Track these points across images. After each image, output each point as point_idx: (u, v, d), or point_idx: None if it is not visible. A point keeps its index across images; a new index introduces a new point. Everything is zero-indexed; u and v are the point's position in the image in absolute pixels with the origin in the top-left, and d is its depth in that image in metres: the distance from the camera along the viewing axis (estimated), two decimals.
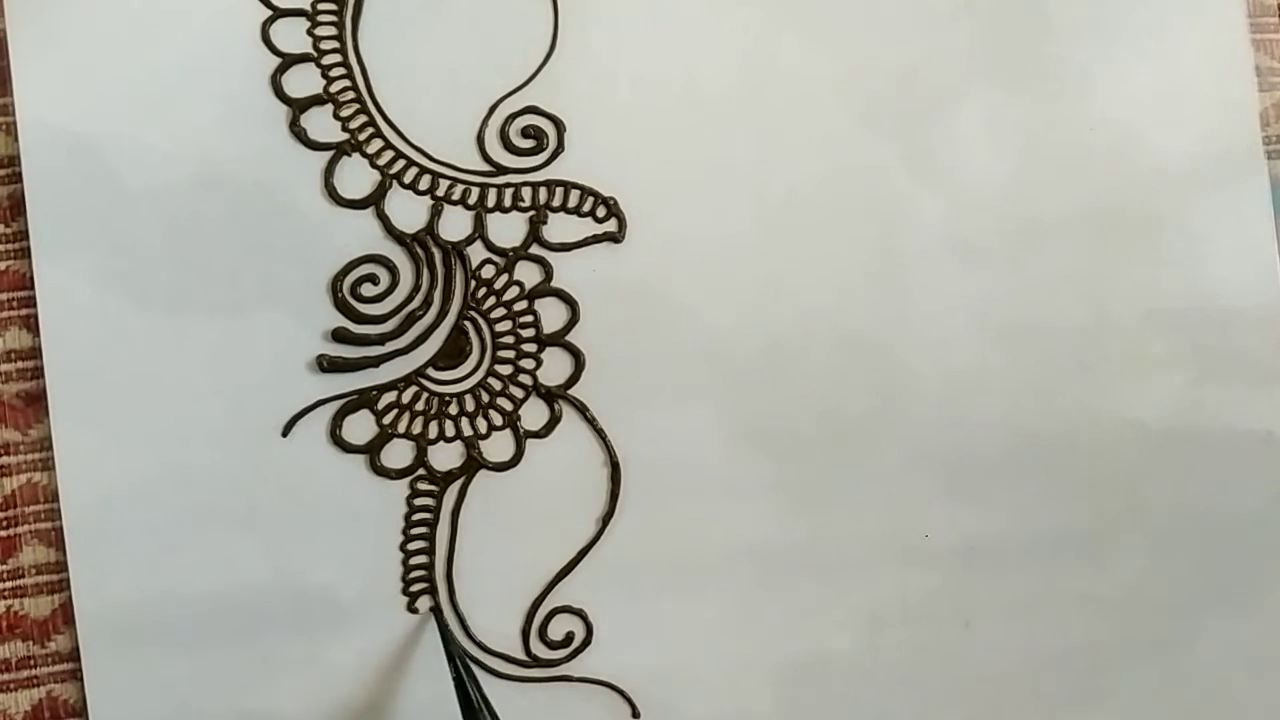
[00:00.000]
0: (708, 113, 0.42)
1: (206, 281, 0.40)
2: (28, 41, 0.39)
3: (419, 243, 0.41)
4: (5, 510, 0.40)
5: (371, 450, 0.41)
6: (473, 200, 0.41)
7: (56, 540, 0.40)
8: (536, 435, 0.42)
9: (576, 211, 0.42)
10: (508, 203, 0.41)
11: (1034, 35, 0.44)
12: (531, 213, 0.42)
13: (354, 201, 0.41)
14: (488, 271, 0.41)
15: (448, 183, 0.41)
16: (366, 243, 0.41)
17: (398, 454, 0.41)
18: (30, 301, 0.39)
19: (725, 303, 0.42)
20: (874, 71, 0.43)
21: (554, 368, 0.42)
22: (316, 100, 0.40)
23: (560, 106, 0.41)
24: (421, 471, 0.41)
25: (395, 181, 0.41)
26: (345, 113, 0.41)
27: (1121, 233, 0.44)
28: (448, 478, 0.41)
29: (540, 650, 0.42)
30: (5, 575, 0.40)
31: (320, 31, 0.41)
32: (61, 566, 0.40)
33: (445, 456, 0.41)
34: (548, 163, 0.42)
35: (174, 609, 0.40)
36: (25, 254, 0.39)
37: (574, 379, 0.42)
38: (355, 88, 0.41)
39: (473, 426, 0.41)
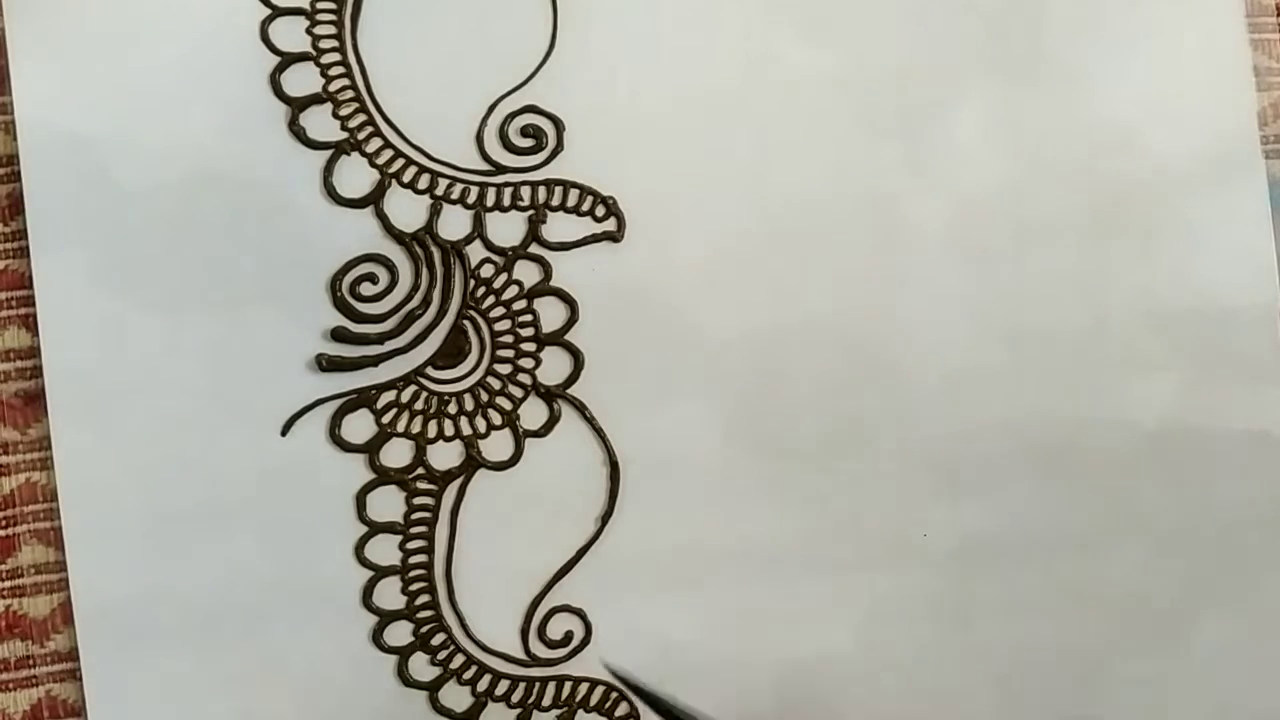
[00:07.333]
0: (707, 112, 0.42)
1: (205, 280, 0.40)
2: (26, 40, 0.39)
3: (418, 242, 0.41)
4: (4, 510, 0.40)
5: (371, 449, 0.41)
6: (472, 199, 0.41)
7: (55, 540, 0.40)
8: (536, 434, 0.42)
9: (576, 211, 0.42)
10: (507, 202, 0.41)
11: (1033, 35, 0.44)
12: (531, 212, 0.42)
13: (353, 200, 0.41)
14: (487, 271, 0.41)
15: (447, 182, 0.41)
16: (365, 242, 0.41)
17: (397, 453, 0.41)
18: (29, 300, 0.39)
19: (724, 302, 0.42)
20: (874, 71, 0.43)
21: (553, 367, 0.42)
22: (315, 99, 0.40)
23: (559, 106, 0.41)
24: (421, 470, 0.41)
25: (394, 180, 0.41)
26: (344, 112, 0.41)
27: (1119, 232, 0.44)
28: (447, 477, 0.41)
29: (539, 649, 0.42)
30: (4, 575, 0.40)
31: (319, 30, 0.40)
32: (60, 566, 0.39)
33: (444, 456, 0.41)
34: (547, 162, 0.42)
35: (173, 608, 0.40)
36: (24, 253, 0.39)
37: (573, 378, 0.42)
38: (354, 87, 0.41)
39: (472, 426, 0.41)
